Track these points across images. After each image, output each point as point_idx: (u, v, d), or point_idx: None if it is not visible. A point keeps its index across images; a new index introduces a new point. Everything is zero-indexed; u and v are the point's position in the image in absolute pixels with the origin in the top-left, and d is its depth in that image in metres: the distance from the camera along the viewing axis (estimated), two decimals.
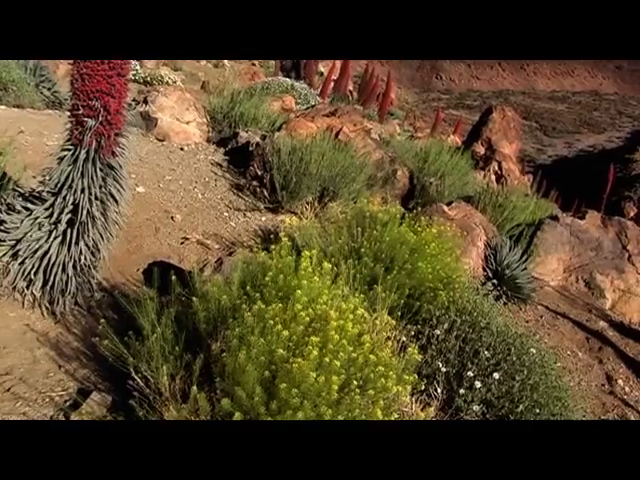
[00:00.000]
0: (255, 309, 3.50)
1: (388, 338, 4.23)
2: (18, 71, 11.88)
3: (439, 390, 4.74)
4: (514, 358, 5.05)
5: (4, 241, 5.00)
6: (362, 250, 5.58)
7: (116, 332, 3.91)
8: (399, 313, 4.95)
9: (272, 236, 6.65)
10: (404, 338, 4.76)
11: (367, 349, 3.44)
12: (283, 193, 8.43)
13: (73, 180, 4.84)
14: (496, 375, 4.72)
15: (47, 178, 5.05)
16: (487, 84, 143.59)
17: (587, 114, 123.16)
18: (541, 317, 8.51)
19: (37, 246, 4.96)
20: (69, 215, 4.93)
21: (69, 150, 4.84)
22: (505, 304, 8.24)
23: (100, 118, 4.68)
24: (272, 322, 3.36)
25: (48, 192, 5.02)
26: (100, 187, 4.98)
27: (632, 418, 6.97)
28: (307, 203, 8.54)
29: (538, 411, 4.68)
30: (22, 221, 4.99)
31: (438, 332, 5.16)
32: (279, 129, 10.44)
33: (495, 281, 8.20)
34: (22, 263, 4.98)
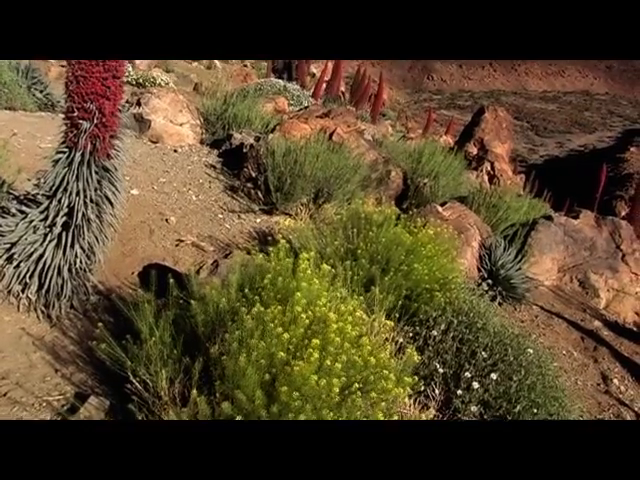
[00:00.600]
0: (254, 312, 3.48)
1: (386, 340, 4.21)
2: (10, 73, 11.84)
3: (437, 391, 4.73)
4: (511, 358, 5.05)
5: None
6: (358, 251, 5.57)
7: (113, 335, 3.89)
8: (397, 315, 4.94)
9: (269, 238, 6.63)
10: (401, 339, 4.76)
11: (367, 351, 3.43)
12: (277, 195, 8.42)
13: (68, 183, 4.81)
14: (493, 375, 4.72)
15: (42, 181, 5.01)
16: (478, 84, 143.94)
17: (578, 114, 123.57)
18: (536, 317, 8.52)
19: (32, 249, 4.93)
20: (64, 218, 4.90)
21: (64, 153, 4.81)
22: (500, 304, 8.25)
23: (95, 120, 4.65)
24: (272, 325, 3.35)
25: (43, 195, 4.98)
26: (95, 190, 4.95)
27: (628, 417, 6.98)
28: (302, 204, 8.53)
29: (536, 411, 4.68)
30: (17, 224, 4.96)
31: (435, 333, 5.15)
32: (273, 130, 10.41)
33: (490, 281, 8.19)
34: (17, 267, 4.95)
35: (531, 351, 5.21)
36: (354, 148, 10.09)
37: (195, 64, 29.91)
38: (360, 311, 3.81)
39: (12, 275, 4.96)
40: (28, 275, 4.97)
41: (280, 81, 23.84)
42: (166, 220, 7.56)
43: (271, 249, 4.34)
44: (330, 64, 36.46)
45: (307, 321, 3.43)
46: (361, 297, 4.43)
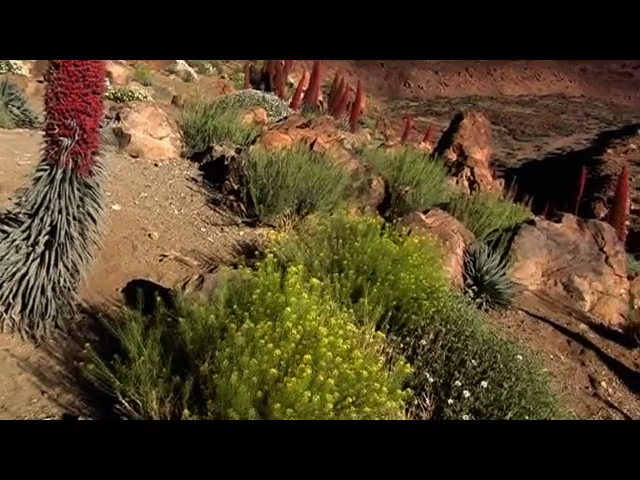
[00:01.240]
0: (244, 328, 3.43)
1: (378, 352, 4.17)
2: None
3: (428, 401, 4.70)
4: (501, 365, 5.03)
5: None
6: (344, 262, 5.54)
7: (100, 355, 3.83)
8: (387, 326, 4.91)
9: (256, 252, 6.58)
10: (390, 350, 4.72)
11: (359, 365, 3.39)
12: (260, 207, 8.37)
13: (50, 201, 4.75)
14: (484, 384, 4.70)
15: (23, 199, 4.95)
16: (455, 90, 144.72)
17: (554, 117, 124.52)
18: (522, 322, 8.51)
19: (15, 269, 4.87)
20: (47, 237, 4.84)
21: (45, 170, 4.75)
22: (486, 310, 8.24)
23: (76, 137, 4.61)
24: (263, 341, 3.31)
25: (24, 214, 4.92)
26: (78, 207, 4.90)
27: (617, 419, 6.98)
28: (285, 216, 8.49)
29: (527, 418, 4.66)
30: None
31: (424, 342, 5.13)
32: (253, 142, 10.37)
33: (475, 288, 8.19)
34: (0, 287, 4.89)
35: (520, 357, 5.20)
36: (336, 158, 10.07)
37: (173, 77, 29.85)
38: (350, 324, 3.77)
39: None
40: (11, 295, 4.90)
41: (259, 92, 23.81)
42: (149, 235, 7.50)
43: (258, 263, 4.29)
44: (308, 73, 36.55)
45: (298, 336, 3.39)
46: (350, 310, 4.39)
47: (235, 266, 5.47)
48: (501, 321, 8.34)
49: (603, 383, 7.63)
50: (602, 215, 46.37)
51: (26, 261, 4.87)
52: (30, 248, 4.88)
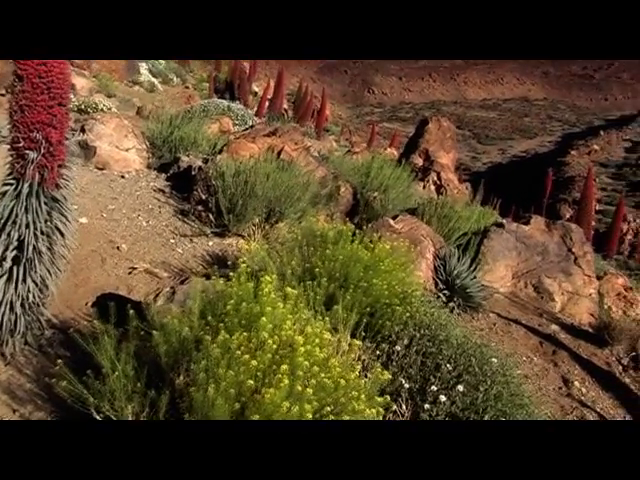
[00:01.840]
0: (220, 340, 3.39)
1: (354, 359, 4.15)
2: None
3: (404, 407, 4.69)
4: (476, 369, 5.03)
5: None
6: (317, 270, 5.51)
7: (72, 371, 3.76)
8: (362, 333, 4.90)
9: (228, 262, 6.53)
10: (365, 357, 4.71)
11: (337, 373, 3.36)
12: (230, 216, 8.33)
13: (17, 215, 4.67)
14: (460, 387, 4.70)
15: None
16: (419, 95, 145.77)
17: (518, 120, 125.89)
18: (494, 325, 8.55)
19: None
20: (14, 252, 4.76)
21: (11, 184, 4.67)
22: (458, 314, 8.26)
23: (42, 150, 4.54)
24: (239, 352, 3.27)
25: None
26: (45, 221, 4.83)
27: (591, 419, 7.04)
28: (254, 225, 8.45)
29: (504, 420, 4.67)
30: None
31: (398, 348, 5.12)
32: (220, 152, 10.33)
33: (447, 292, 8.22)
34: None
35: (495, 360, 5.21)
36: (303, 166, 10.06)
37: (136, 88, 29.69)
38: (326, 332, 3.74)
39: None
40: None
41: (224, 101, 23.77)
42: (117, 248, 7.43)
43: (232, 274, 4.25)
44: (272, 82, 36.56)
45: (274, 346, 3.36)
46: (325, 318, 4.36)
47: (207, 277, 5.43)
48: (473, 324, 8.36)
49: (576, 383, 7.69)
50: (567, 216, 46.93)
51: None
52: None
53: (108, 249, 7.37)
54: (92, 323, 5.51)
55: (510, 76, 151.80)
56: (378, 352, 5.00)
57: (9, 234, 4.74)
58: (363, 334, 4.83)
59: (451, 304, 7.44)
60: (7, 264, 4.77)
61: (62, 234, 5.02)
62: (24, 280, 4.84)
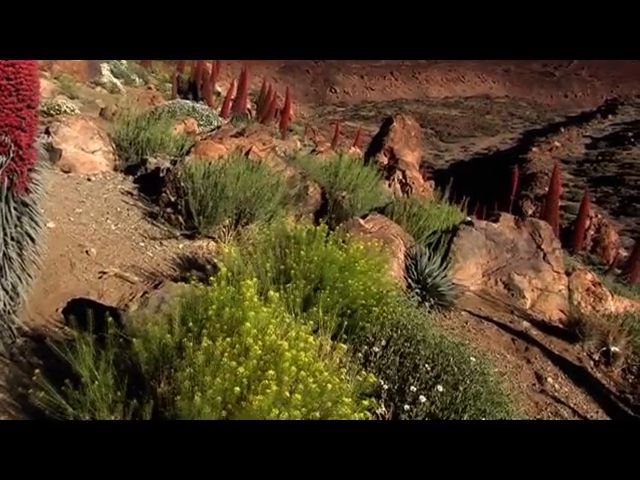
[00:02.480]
0: (204, 346, 3.33)
1: (338, 364, 4.10)
2: None
3: (384, 408, 4.67)
4: (455, 369, 5.03)
5: None
6: (292, 272, 5.47)
7: (48, 380, 3.67)
8: (343, 335, 4.86)
9: (208, 267, 6.46)
10: (345, 359, 4.67)
11: (323, 378, 3.31)
12: (200, 218, 8.24)
13: None
14: (440, 387, 4.69)
15: None
16: (381, 94, 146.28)
17: (480, 118, 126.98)
18: (466, 323, 8.55)
19: None
20: None
21: None
22: (430, 312, 8.25)
23: (11, 154, 4.43)
24: (225, 359, 3.20)
25: None
26: (15, 226, 4.72)
27: (565, 414, 7.07)
28: (224, 227, 8.38)
29: (483, 419, 4.67)
30: None
31: (376, 349, 5.10)
32: (188, 153, 10.24)
33: (418, 291, 8.21)
34: None
35: (474, 359, 5.21)
36: (272, 166, 10.00)
37: (99, 89, 29.40)
38: (310, 336, 3.69)
39: None
40: None
41: (188, 102, 23.65)
42: (86, 252, 7.32)
43: (212, 278, 4.19)
44: (236, 82, 36.46)
45: (259, 352, 3.30)
46: (309, 321, 4.30)
47: (182, 280, 5.36)
48: (446, 323, 8.36)
49: (549, 379, 7.72)
50: (530, 212, 47.41)
51: None
52: None
53: (77, 253, 7.25)
54: (63, 329, 5.44)
55: (471, 74, 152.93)
56: (360, 354, 4.97)
57: None
58: (343, 336, 4.79)
59: (420, 302, 7.42)
60: None
61: (32, 239, 4.92)
62: None
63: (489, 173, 73.40)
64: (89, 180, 9.84)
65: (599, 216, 45.04)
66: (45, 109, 17.55)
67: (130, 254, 7.67)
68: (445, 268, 8.94)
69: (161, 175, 9.51)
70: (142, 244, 8.01)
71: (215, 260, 7.71)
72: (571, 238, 26.16)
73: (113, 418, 3.37)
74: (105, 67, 33.66)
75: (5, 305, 4.85)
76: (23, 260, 4.90)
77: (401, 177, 22.76)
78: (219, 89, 43.65)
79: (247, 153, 10.17)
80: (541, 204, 41.96)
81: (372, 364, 5.01)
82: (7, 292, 4.84)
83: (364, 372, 3.80)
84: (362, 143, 44.01)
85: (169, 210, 8.70)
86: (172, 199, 8.73)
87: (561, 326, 9.24)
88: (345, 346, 3.95)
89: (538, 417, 6.85)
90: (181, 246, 8.23)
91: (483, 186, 50.67)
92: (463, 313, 8.81)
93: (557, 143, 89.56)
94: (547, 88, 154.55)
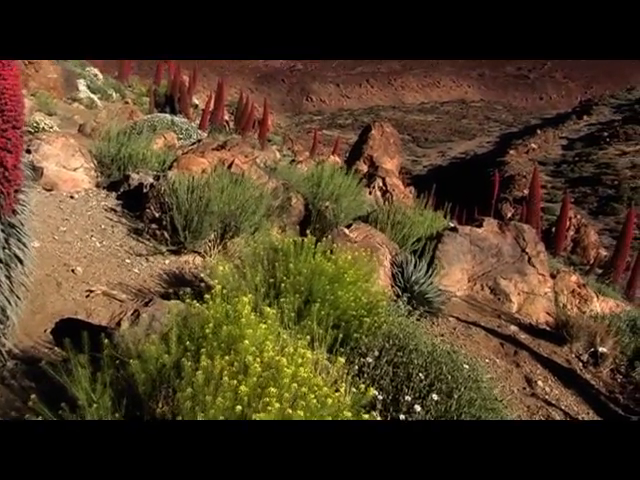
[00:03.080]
0: (203, 365, 3.31)
1: (337, 378, 4.08)
2: None
3: (379, 419, 4.66)
4: (448, 377, 5.03)
5: None
6: (282, 285, 5.46)
7: (42, 403, 3.64)
8: (340, 348, 4.85)
9: (196, 281, 6.43)
10: (341, 371, 4.66)
11: (322, 393, 3.30)
12: (185, 233, 8.21)
13: None
14: (434, 396, 4.69)
15: None
16: (357, 102, 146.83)
17: (456, 122, 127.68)
18: (454, 329, 8.57)
19: None
20: None
21: None
22: (418, 320, 8.25)
23: None
24: (226, 378, 3.19)
25: None
26: (3, 248, 4.69)
27: (557, 417, 7.10)
28: (210, 241, 8.36)
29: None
30: None
31: (369, 360, 5.09)
32: (170, 167, 10.22)
33: (405, 298, 8.22)
34: None
35: (467, 366, 5.22)
36: (255, 178, 10.00)
37: (76, 104, 29.27)
38: (307, 351, 3.68)
39: None
40: None
41: (167, 116, 23.61)
42: (72, 271, 7.28)
43: (207, 295, 4.17)
44: (213, 93, 36.44)
45: (259, 369, 3.29)
46: (307, 337, 4.29)
47: (174, 296, 5.34)
48: (434, 329, 8.37)
49: (539, 382, 7.75)
50: (509, 215, 47.69)
51: None
52: None
53: (63, 272, 7.21)
54: (54, 350, 5.40)
55: (447, 79, 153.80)
56: (356, 366, 4.97)
57: None
58: (338, 349, 4.78)
59: (409, 309, 7.43)
60: None
61: (21, 261, 4.89)
62: None
63: (468, 177, 73.85)
64: (72, 198, 9.78)
65: (578, 216, 45.35)
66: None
67: (116, 271, 7.63)
68: (431, 275, 8.95)
69: (144, 191, 9.47)
70: (128, 261, 7.97)
71: (202, 275, 7.72)
72: (552, 240, 26.29)
73: None
74: (82, 83, 33.56)
75: None
76: (12, 282, 4.86)
77: (382, 184, 22.79)
78: (196, 101, 43.62)
79: (230, 166, 10.17)
80: (520, 206, 42.24)
81: (366, 375, 5.00)
82: None
83: (362, 385, 3.79)
84: (340, 151, 44.14)
85: (154, 226, 8.66)
86: (156, 215, 8.70)
87: (548, 329, 9.28)
88: (343, 359, 3.93)
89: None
90: (167, 262, 8.19)
91: (462, 190, 50.97)
92: (451, 319, 8.82)
93: (534, 145, 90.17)
94: (522, 91, 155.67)
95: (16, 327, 5.22)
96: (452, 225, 11.18)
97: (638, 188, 68.86)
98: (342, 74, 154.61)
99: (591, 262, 33.29)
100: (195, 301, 4.21)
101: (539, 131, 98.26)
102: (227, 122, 37.97)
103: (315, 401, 3.19)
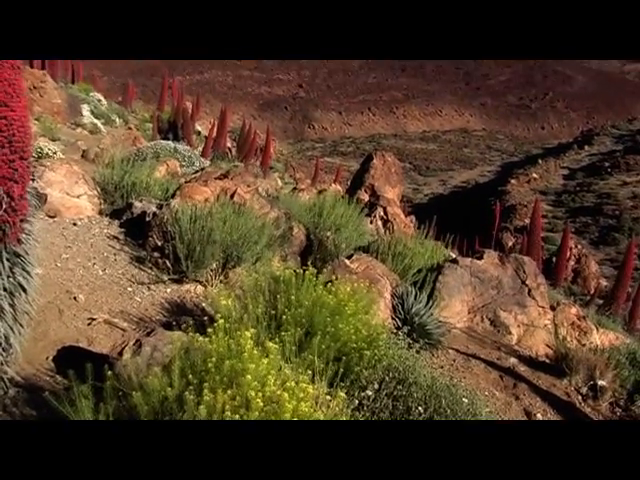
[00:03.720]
0: (206, 400, 3.34)
1: (340, 411, 4.11)
2: None
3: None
4: (448, 410, 5.06)
5: None
6: (284, 318, 5.50)
7: None
8: (340, 383, 4.87)
9: (198, 311, 6.45)
10: (342, 404, 4.68)
11: None
12: (187, 262, 8.25)
13: None
14: None
15: None
16: (359, 129, 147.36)
17: (458, 151, 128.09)
18: (454, 361, 8.58)
19: None
20: None
21: None
22: (418, 352, 8.27)
23: (4, 205, 4.46)
24: (228, 412, 3.22)
25: None
26: (8, 277, 4.74)
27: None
28: (211, 270, 8.41)
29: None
30: None
31: (369, 393, 5.12)
32: (173, 196, 10.28)
33: (406, 330, 8.24)
34: None
35: (466, 400, 5.25)
36: (257, 208, 10.06)
37: (79, 130, 29.37)
38: (308, 385, 3.71)
39: None
40: None
41: (170, 143, 23.68)
42: (74, 298, 7.32)
43: (209, 330, 4.21)
44: (216, 120, 36.58)
45: (261, 404, 3.32)
46: (308, 371, 4.32)
47: (175, 324, 5.38)
48: (434, 361, 8.39)
49: (539, 415, 7.75)
50: (510, 244, 47.62)
51: None
52: None
53: (65, 300, 7.25)
54: (55, 379, 5.43)
55: (449, 108, 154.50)
56: (356, 399, 5.00)
57: None
58: (339, 382, 4.80)
59: (410, 342, 7.45)
60: None
61: (25, 290, 4.93)
62: None
63: (469, 206, 73.92)
64: (75, 225, 9.83)
65: (579, 246, 45.31)
66: None
67: (118, 299, 7.67)
68: (431, 307, 8.98)
69: (147, 219, 9.52)
70: (130, 289, 8.01)
71: (204, 304, 7.75)
72: (553, 270, 26.32)
73: None
74: (85, 108, 33.71)
75: None
76: (15, 310, 4.91)
77: (382, 214, 22.80)
78: (199, 128, 43.78)
79: (232, 196, 10.23)
80: (521, 236, 42.20)
81: (365, 408, 5.02)
82: (0, 344, 4.84)
83: (361, 418, 3.82)
84: (342, 179, 44.27)
85: (156, 254, 8.71)
86: (159, 243, 8.76)
87: (548, 361, 9.28)
88: (344, 394, 3.97)
89: None
90: (169, 290, 8.23)
91: (464, 219, 51.04)
92: (450, 351, 8.84)
93: (535, 175, 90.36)
94: (523, 120, 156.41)
95: (19, 354, 5.26)
96: (453, 256, 11.24)
97: (639, 218, 68.96)
98: (344, 102, 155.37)
99: (592, 292, 33.23)
100: (197, 333, 4.25)
101: (540, 161, 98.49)
102: (230, 149, 38.12)
103: None
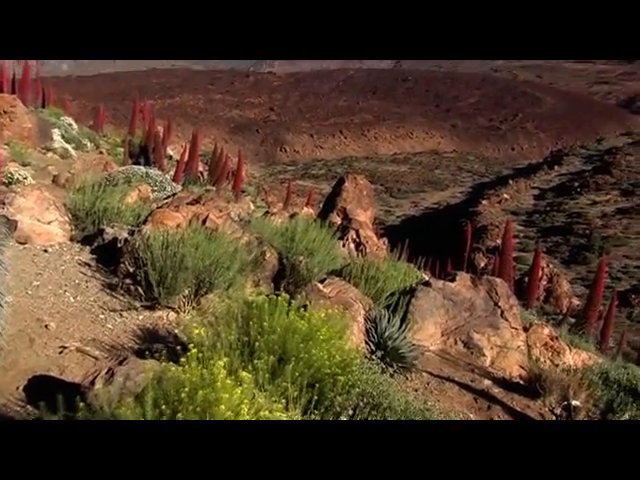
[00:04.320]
0: None
1: None
2: None
3: None
4: None
5: None
6: (257, 344, 5.50)
7: None
8: (314, 410, 4.87)
9: (170, 338, 6.42)
10: None
11: None
12: (159, 289, 8.21)
13: None
14: None
15: None
16: (331, 152, 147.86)
17: (429, 173, 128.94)
18: (428, 384, 8.59)
19: None
20: None
21: None
22: (392, 375, 8.27)
23: None
24: None
25: None
26: None
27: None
28: (184, 297, 8.38)
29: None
30: None
31: (344, 419, 5.12)
32: (145, 222, 10.24)
33: (379, 354, 8.25)
34: None
35: None
36: (229, 233, 10.05)
37: (50, 154, 29.11)
38: (282, 414, 3.71)
39: None
40: None
41: (142, 167, 23.61)
42: (45, 326, 7.26)
43: (182, 359, 4.20)
44: (188, 144, 36.55)
45: None
46: (280, 398, 4.33)
47: (147, 352, 5.35)
48: (408, 384, 8.39)
49: None
50: (482, 265, 47.84)
51: None
52: None
53: (36, 328, 7.20)
54: (26, 409, 5.38)
55: (419, 130, 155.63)
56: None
57: None
58: (315, 411, 4.80)
59: (386, 367, 7.46)
60: None
61: None
62: None
63: (441, 227, 74.23)
64: (46, 251, 9.76)
65: (550, 266, 45.68)
66: None
67: (90, 327, 7.61)
68: (405, 330, 8.99)
69: (119, 245, 9.49)
70: (102, 316, 7.96)
71: (176, 331, 7.72)
72: (525, 290, 26.44)
73: None
74: (56, 132, 33.44)
75: None
76: None
77: (355, 237, 22.86)
78: (171, 152, 43.66)
79: (204, 221, 10.22)
80: (493, 256, 42.40)
81: None
82: None
83: None
84: (314, 202, 44.33)
85: (128, 281, 8.67)
86: (131, 270, 8.71)
87: (522, 382, 9.32)
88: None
89: None
90: (141, 317, 8.18)
91: (436, 240, 51.22)
92: (424, 374, 8.84)
93: (506, 195, 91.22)
94: (494, 142, 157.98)
95: None
96: (425, 278, 11.27)
97: (609, 237, 69.76)
98: (316, 125, 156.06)
99: (564, 311, 33.45)
100: (170, 362, 4.24)
101: (511, 181, 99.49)
102: (202, 173, 38.05)
103: None
